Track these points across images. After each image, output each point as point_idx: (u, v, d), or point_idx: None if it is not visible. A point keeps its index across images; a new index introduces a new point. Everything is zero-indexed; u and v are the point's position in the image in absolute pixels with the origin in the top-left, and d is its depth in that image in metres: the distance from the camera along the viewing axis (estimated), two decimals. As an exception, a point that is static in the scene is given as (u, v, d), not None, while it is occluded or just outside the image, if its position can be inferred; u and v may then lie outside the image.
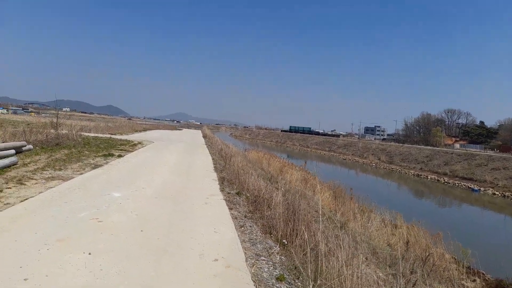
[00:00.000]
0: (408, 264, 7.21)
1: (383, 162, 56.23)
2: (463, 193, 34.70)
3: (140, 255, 4.22)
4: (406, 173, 47.26)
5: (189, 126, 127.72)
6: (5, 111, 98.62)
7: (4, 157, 10.37)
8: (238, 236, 5.39)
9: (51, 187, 7.41)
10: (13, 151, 11.31)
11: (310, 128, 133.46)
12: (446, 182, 40.09)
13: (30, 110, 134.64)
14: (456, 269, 11.13)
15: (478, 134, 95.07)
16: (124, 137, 27.70)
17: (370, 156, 61.15)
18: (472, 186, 36.37)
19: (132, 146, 19.66)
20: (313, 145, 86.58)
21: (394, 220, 15.55)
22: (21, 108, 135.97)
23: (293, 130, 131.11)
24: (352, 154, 66.86)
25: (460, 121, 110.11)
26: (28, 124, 31.22)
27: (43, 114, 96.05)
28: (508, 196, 32.02)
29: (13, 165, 9.42)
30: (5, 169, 8.81)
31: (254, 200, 8.02)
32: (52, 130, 19.44)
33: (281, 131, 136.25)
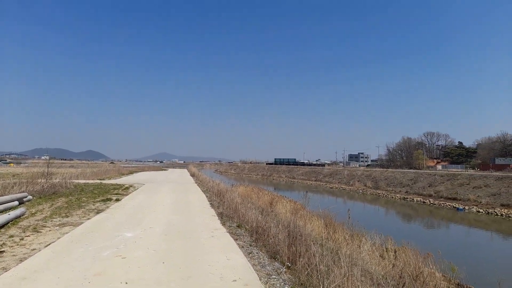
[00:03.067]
0: (400, 282, 7.91)
1: (369, 188, 57.47)
2: (449, 213, 35.84)
3: (169, 281, 4.88)
4: (392, 197, 48.41)
5: (173, 165, 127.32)
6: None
7: (10, 208, 10.82)
8: (248, 261, 6.10)
9: (66, 233, 7.95)
10: (17, 202, 11.76)
11: (295, 159, 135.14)
12: (431, 203, 41.30)
13: (8, 161, 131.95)
14: (446, 287, 11.82)
15: (458, 155, 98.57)
16: (113, 181, 28.00)
17: (356, 183, 62.41)
18: (457, 206, 37.61)
19: (125, 189, 20.09)
20: (299, 175, 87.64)
21: (385, 244, 16.29)
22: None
23: (278, 162, 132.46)
24: (338, 182, 68.04)
25: (439, 142, 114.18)
26: (14, 176, 31.12)
27: (22, 164, 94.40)
28: (491, 213, 33.29)
29: (22, 215, 9.87)
30: (16, 219, 9.28)
31: (256, 231, 8.71)
32: (43, 180, 19.75)
33: (266, 164, 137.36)
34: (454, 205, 38.05)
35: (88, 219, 9.83)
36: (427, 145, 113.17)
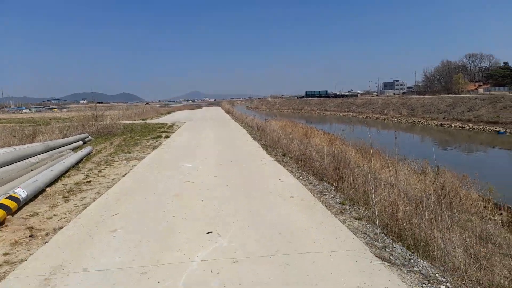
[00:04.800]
0: (441, 194, 8.52)
1: (405, 116, 56.42)
2: (489, 137, 35.05)
3: (237, 198, 5.77)
4: (429, 124, 47.54)
5: (206, 103, 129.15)
6: (27, 110, 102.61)
7: (78, 147, 12.16)
8: (300, 182, 6.88)
9: (134, 165, 9.06)
10: (81, 142, 13.11)
11: (326, 91, 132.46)
12: (470, 128, 40.32)
13: (51, 106, 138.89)
14: (483, 206, 12.35)
15: (502, 76, 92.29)
16: (155, 121, 29.50)
17: (390, 112, 61.29)
18: (498, 129, 36.54)
19: (169, 127, 21.35)
20: (332, 107, 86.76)
21: (422, 168, 16.72)
22: (42, 106, 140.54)
23: (310, 95, 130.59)
24: (372, 112, 67.05)
25: (482, 64, 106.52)
26: (64, 119, 33.40)
27: (64, 109, 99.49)
28: (535, 135, 32.25)
29: (91, 152, 11.14)
30: (88, 156, 10.53)
31: (301, 159, 9.45)
32: (94, 122, 21.29)
33: (297, 97, 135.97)
34: (495, 129, 36.96)
35: (148, 153, 10.95)
36: (469, 68, 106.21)
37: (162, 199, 5.81)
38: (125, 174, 7.93)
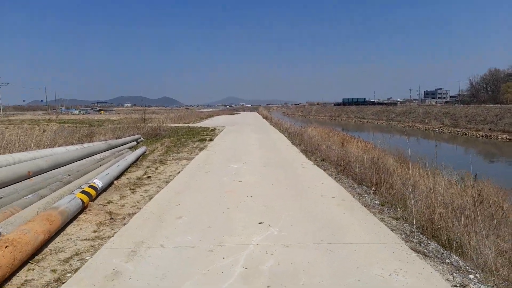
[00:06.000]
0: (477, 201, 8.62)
1: (447, 126, 54.43)
2: (540, 151, 33.25)
3: (282, 196, 6.37)
4: (473, 135, 45.64)
5: (243, 109, 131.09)
6: (77, 111, 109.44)
7: (132, 147, 13.29)
8: (340, 184, 7.36)
9: (186, 164, 9.92)
10: (135, 142, 14.30)
11: (364, 98, 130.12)
12: (519, 140, 38.34)
13: (98, 109, 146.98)
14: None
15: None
16: (197, 124, 30.83)
17: (432, 121, 59.34)
18: (550, 142, 34.51)
19: (212, 131, 22.39)
20: (369, 115, 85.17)
21: (462, 180, 16.41)
22: (90, 108, 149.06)
23: (347, 102, 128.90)
24: (412, 121, 65.19)
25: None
26: (112, 122, 35.56)
27: (109, 112, 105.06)
28: None
29: (145, 152, 12.20)
30: (143, 155, 11.58)
31: (340, 164, 9.88)
32: (143, 124, 22.77)
33: (334, 104, 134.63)
34: (547, 143, 34.96)
35: (196, 154, 11.83)
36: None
37: (215, 194, 6.53)
38: (179, 172, 8.77)
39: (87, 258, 3.83)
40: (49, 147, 10.11)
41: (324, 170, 9.13)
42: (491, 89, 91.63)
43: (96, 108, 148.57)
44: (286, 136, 18.36)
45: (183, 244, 4.18)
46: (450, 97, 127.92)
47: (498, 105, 61.47)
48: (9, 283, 3.27)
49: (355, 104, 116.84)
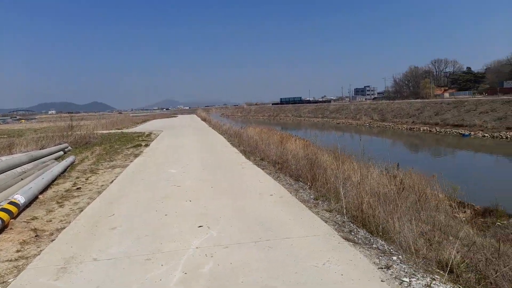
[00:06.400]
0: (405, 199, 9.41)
1: (376, 120, 58.64)
2: (455, 140, 37.13)
3: (222, 197, 6.38)
4: (399, 128, 49.73)
5: (181, 112, 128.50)
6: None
7: (59, 157, 12.37)
8: (278, 182, 7.57)
9: (120, 172, 9.47)
10: (62, 152, 13.31)
11: (300, 97, 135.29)
12: (438, 131, 42.50)
13: (17, 117, 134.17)
14: (449, 205, 13.40)
15: (466, 81, 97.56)
16: (131, 130, 29.55)
17: (363, 117, 63.52)
18: (463, 132, 38.74)
19: (147, 136, 21.63)
20: (306, 113, 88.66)
21: (391, 171, 17.79)
22: (8, 117, 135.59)
23: (284, 102, 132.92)
24: (345, 118, 69.18)
25: (447, 70, 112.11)
26: (35, 131, 32.76)
27: (32, 120, 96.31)
28: (497, 137, 34.45)
29: (73, 162, 11.41)
30: (72, 165, 10.82)
31: (278, 162, 10.16)
32: (70, 132, 21.27)
33: (272, 104, 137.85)
34: (460, 132, 39.18)
35: (131, 161, 11.35)
36: (435, 73, 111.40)
37: (152, 201, 6.34)
38: (113, 181, 8.35)
39: (9, 280, 3.49)
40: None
41: (263, 169, 9.32)
42: (412, 85, 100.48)
43: (15, 117, 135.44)
44: (225, 138, 18.37)
45: (118, 256, 4.00)
46: (378, 93, 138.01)
47: (419, 100, 67.70)
48: None
49: (292, 103, 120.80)
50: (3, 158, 9.16)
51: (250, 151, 12.63)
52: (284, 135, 32.72)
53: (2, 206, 5.26)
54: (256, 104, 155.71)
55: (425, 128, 45.69)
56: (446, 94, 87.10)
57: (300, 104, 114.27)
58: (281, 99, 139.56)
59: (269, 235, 4.46)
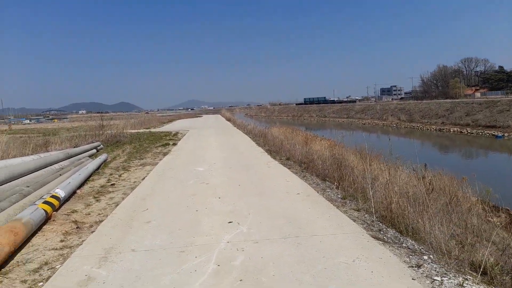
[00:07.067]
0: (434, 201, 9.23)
1: (403, 121, 57.29)
2: (487, 141, 35.75)
3: (249, 195, 6.51)
4: (428, 129, 48.37)
5: (206, 112, 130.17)
6: (28, 121, 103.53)
7: (92, 155, 12.90)
8: (304, 181, 7.63)
9: (150, 170, 9.80)
10: (95, 150, 13.87)
11: (325, 97, 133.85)
12: (469, 132, 41.05)
13: (51, 117, 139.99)
14: (482, 208, 12.96)
15: (498, 80, 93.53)
16: (158, 129, 30.28)
17: (389, 117, 62.21)
18: (496, 133, 37.26)
19: (174, 135, 22.13)
20: (330, 114, 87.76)
21: (420, 172, 17.35)
22: (42, 117, 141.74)
23: (308, 102, 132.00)
24: (371, 118, 67.98)
25: (478, 69, 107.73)
26: (68, 130, 34.13)
27: (64, 120, 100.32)
28: (533, 139, 32.90)
29: (106, 159, 11.88)
30: (105, 163, 11.27)
31: (304, 162, 10.20)
32: (101, 131, 22.07)
33: (296, 104, 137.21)
34: (493, 133, 37.69)
35: (160, 159, 11.70)
36: (465, 72, 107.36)
37: (182, 197, 6.56)
38: (144, 178, 8.67)
39: (57, 266, 3.76)
40: (1, 159, 9.60)
41: (289, 168, 9.39)
42: (440, 84, 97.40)
43: (48, 117, 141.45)
44: (250, 137, 18.54)
45: (154, 247, 4.20)
46: (405, 93, 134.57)
47: (448, 100, 65.55)
48: (-27, 299, 3.16)
49: (316, 104, 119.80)
50: (42, 155, 9.66)
51: (276, 150, 12.72)
52: (309, 135, 32.63)
53: (45, 200, 5.60)
54: (279, 104, 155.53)
55: (455, 129, 44.21)
56: (478, 94, 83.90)
57: (324, 104, 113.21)
58: (305, 99, 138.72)
59: (298, 232, 4.54)
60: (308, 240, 4.27)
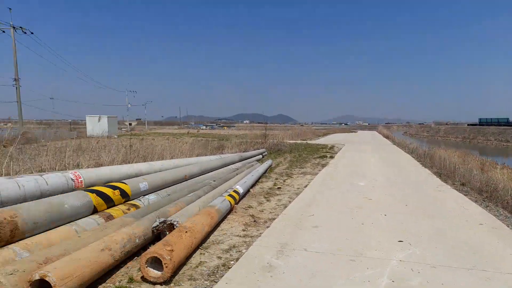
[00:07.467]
0: None
1: None
2: None
3: (419, 217, 6.07)
4: None
5: (361, 128, 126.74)
6: (204, 127, 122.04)
7: (259, 160, 14.26)
8: (488, 211, 6.61)
9: (311, 179, 10.21)
10: (260, 156, 15.31)
11: (507, 118, 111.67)
12: None
13: (222, 125, 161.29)
14: None
15: None
16: (314, 141, 31.11)
17: None
18: None
19: (330, 148, 22.37)
20: (516, 138, 72.53)
21: None
22: (214, 124, 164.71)
23: (484, 122, 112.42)
24: None
25: None
26: (236, 136, 38.41)
27: (232, 128, 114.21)
28: None
29: (271, 165, 13.00)
30: (270, 168, 12.36)
31: (484, 190, 8.82)
32: (264, 140, 24.15)
33: (468, 125, 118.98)
34: None
35: (319, 170, 12.06)
36: None
37: (346, 209, 6.62)
38: (306, 185, 9.11)
39: (243, 251, 4.38)
40: (188, 157, 11.68)
41: (466, 195, 8.29)
42: None
43: (219, 124, 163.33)
44: (413, 157, 17.15)
45: (323, 251, 4.40)
46: None
47: None
48: (189, 262, 3.99)
49: (496, 125, 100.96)
50: (222, 156, 11.31)
51: (446, 174, 11.40)
52: (486, 161, 27.89)
53: (229, 193, 6.56)
54: (446, 124, 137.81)
55: None
56: None
57: (507, 126, 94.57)
58: (480, 119, 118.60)
59: (485, 265, 3.99)
60: (500, 277, 3.71)
